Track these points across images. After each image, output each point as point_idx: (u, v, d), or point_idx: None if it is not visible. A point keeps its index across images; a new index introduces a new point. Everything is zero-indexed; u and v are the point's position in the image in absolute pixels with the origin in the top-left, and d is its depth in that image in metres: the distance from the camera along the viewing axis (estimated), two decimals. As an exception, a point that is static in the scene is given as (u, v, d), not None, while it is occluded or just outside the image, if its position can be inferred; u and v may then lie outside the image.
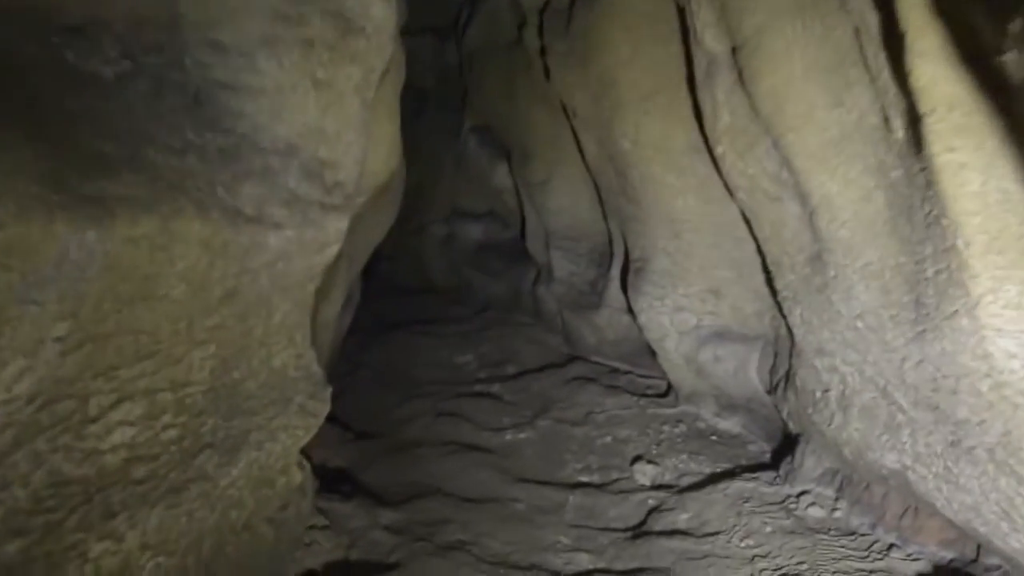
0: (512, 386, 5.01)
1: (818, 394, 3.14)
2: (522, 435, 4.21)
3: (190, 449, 2.00)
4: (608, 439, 4.11)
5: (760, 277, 3.73)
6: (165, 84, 1.84)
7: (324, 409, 2.59)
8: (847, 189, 2.55)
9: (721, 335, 4.10)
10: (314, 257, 2.32)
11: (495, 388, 4.99)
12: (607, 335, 5.34)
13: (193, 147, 1.81)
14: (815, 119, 2.54)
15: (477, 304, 7.53)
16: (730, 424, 4.22)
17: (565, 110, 4.89)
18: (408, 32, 8.41)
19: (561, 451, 4.01)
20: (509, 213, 7.23)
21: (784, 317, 3.31)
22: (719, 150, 3.18)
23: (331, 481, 3.47)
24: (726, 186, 3.45)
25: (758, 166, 2.98)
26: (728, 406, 4.24)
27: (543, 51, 4.82)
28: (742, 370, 3.99)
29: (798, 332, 3.17)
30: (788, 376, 3.41)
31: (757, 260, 3.68)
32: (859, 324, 2.71)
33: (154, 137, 1.73)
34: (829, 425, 3.08)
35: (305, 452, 3.77)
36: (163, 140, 1.74)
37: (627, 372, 5.12)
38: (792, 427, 3.53)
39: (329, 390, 2.65)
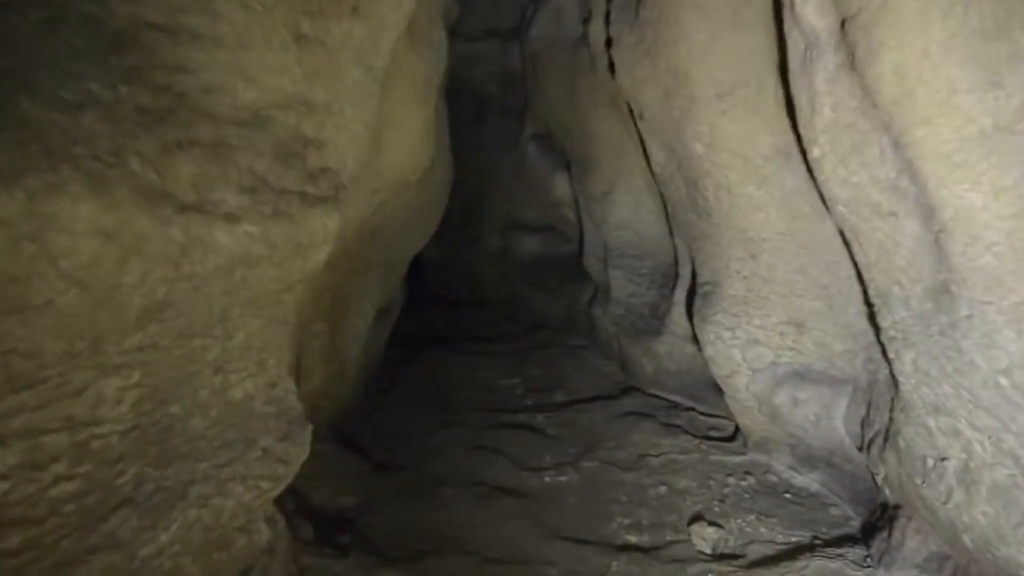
0: (558, 417, 4.40)
1: (930, 462, 2.45)
2: (563, 478, 3.60)
3: (96, 509, 1.47)
4: (663, 489, 3.47)
5: (855, 309, 3.05)
6: (69, 15, 1.33)
7: (300, 454, 2.04)
8: (997, 202, 1.88)
9: (802, 375, 3.41)
10: (292, 262, 1.79)
11: (539, 419, 4.38)
12: (667, 365, 4.69)
13: (97, 103, 1.29)
14: (956, 107, 1.88)
15: (529, 322, 6.95)
16: (807, 480, 3.52)
17: (631, 112, 4.29)
18: (470, 37, 8.01)
19: (607, 501, 3.38)
20: (568, 227, 6.64)
21: (888, 361, 2.63)
22: (815, 153, 2.53)
23: (330, 527, 2.93)
24: (821, 198, 2.79)
25: (866, 172, 2.33)
26: (806, 458, 3.54)
27: (608, 43, 4.23)
28: (826, 418, 3.30)
29: (907, 382, 2.49)
30: (888, 434, 2.72)
31: (854, 289, 3.00)
32: (1002, 381, 2.03)
33: (36, 85, 1.22)
34: (944, 503, 2.39)
35: (309, 485, 3.27)
36: (50, 90, 1.23)
37: (688, 409, 4.45)
38: (890, 496, 2.83)
39: (309, 430, 2.08)
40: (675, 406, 4.50)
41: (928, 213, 2.14)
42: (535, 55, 6.05)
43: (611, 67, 4.28)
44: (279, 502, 2.27)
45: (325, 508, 3.07)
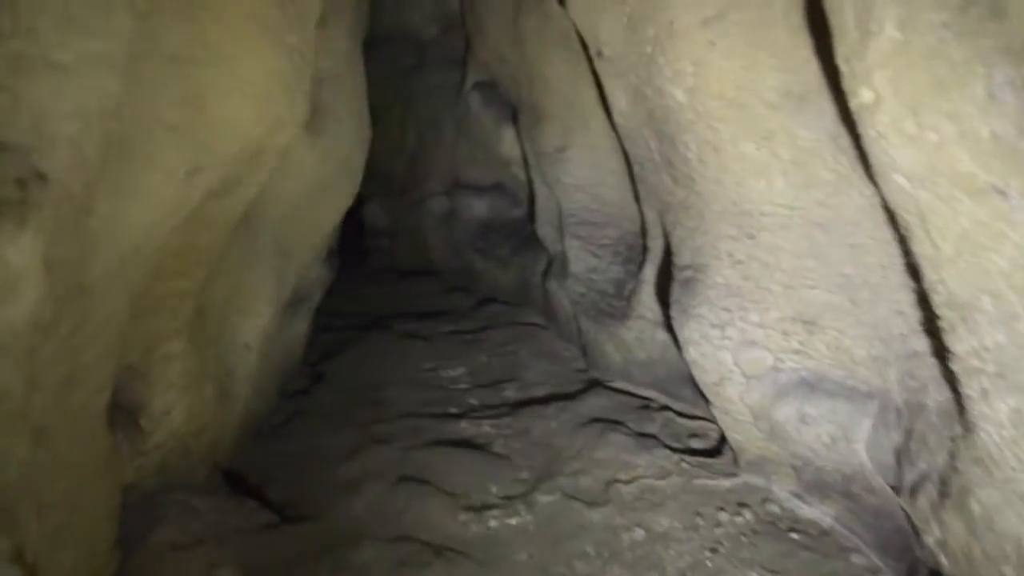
0: (509, 425, 3.54)
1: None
2: (513, 520, 2.75)
3: None
4: (639, 534, 2.64)
5: (888, 307, 2.22)
6: None
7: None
8: None
9: (812, 385, 2.59)
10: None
11: (485, 428, 3.52)
12: (636, 354, 3.85)
13: None
14: None
15: (481, 293, 6.06)
16: (817, 513, 2.73)
17: (586, 51, 3.35)
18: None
19: (570, 555, 2.54)
20: (519, 187, 5.71)
21: (959, 394, 1.80)
22: (865, 97, 1.63)
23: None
24: (863, 161, 1.92)
25: (955, 127, 1.45)
26: (816, 485, 2.74)
27: (557, -38, 3.27)
28: (844, 439, 2.49)
29: (995, 432, 1.66)
30: (950, 487, 1.91)
31: (889, 282, 2.17)
32: None
33: None
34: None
35: (176, 557, 2.38)
36: None
37: (662, 408, 3.62)
38: (947, 566, 2.02)
39: None
40: (647, 405, 3.67)
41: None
42: (474, -12, 5.04)
43: (561, -7, 3.32)
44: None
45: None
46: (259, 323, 3.05)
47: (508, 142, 5.48)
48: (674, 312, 2.99)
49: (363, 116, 3.54)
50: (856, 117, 1.73)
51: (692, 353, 2.87)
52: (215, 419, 2.73)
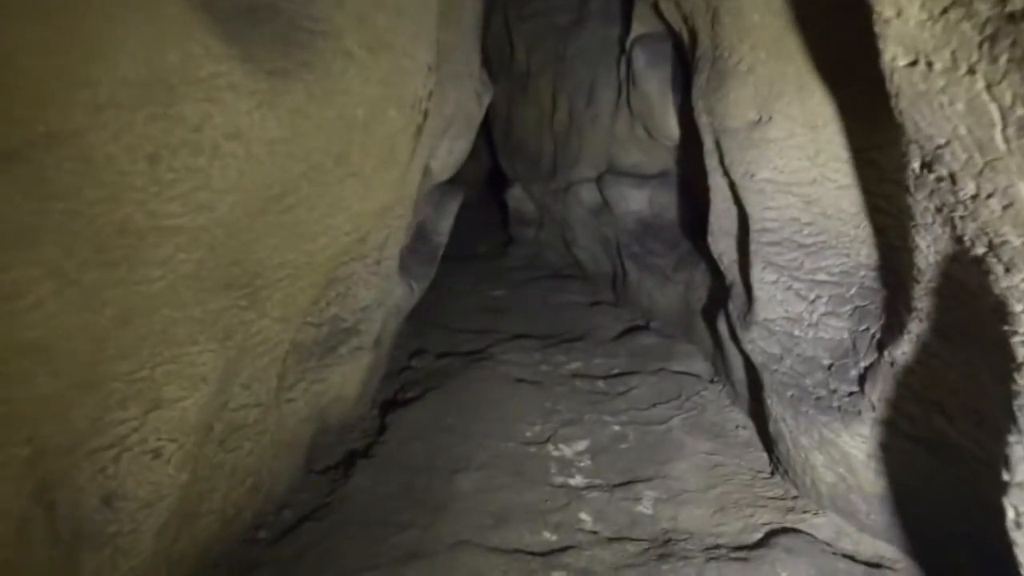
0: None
1: None
2: None
3: None
4: None
5: None
6: None
7: None
8: None
9: None
10: None
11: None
12: (870, 482, 2.10)
13: None
14: None
15: (631, 311, 4.46)
16: None
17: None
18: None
19: None
20: (691, 178, 4.01)
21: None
22: None
23: None
24: None
25: None
26: None
27: None
28: None
29: None
30: None
31: None
32: None
33: None
34: None
35: None
36: None
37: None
38: None
39: None
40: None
41: None
42: None
43: None
44: None
45: None
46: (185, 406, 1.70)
47: (678, 116, 3.79)
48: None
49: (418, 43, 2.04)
50: None
51: None
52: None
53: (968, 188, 1.33)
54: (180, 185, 1.46)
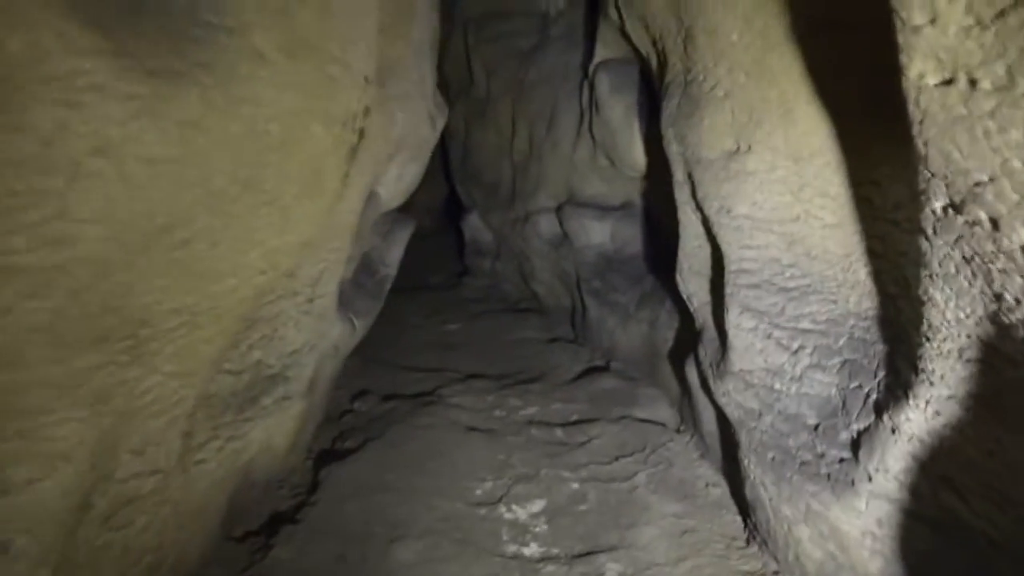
0: None
1: None
2: None
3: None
4: None
5: None
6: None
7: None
8: None
9: None
10: None
11: None
12: (864, 563, 1.83)
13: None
14: None
15: (592, 349, 4.17)
16: None
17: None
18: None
19: None
20: (654, 210, 3.78)
21: None
22: None
23: None
24: None
25: None
26: None
27: None
28: None
29: None
30: None
31: None
32: None
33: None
34: None
35: None
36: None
37: None
38: None
39: None
40: None
41: None
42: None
43: None
44: None
45: None
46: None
47: (643, 144, 3.56)
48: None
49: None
50: None
51: None
52: None
53: (1017, 236, 1.07)
54: (24, 214, 1.12)
